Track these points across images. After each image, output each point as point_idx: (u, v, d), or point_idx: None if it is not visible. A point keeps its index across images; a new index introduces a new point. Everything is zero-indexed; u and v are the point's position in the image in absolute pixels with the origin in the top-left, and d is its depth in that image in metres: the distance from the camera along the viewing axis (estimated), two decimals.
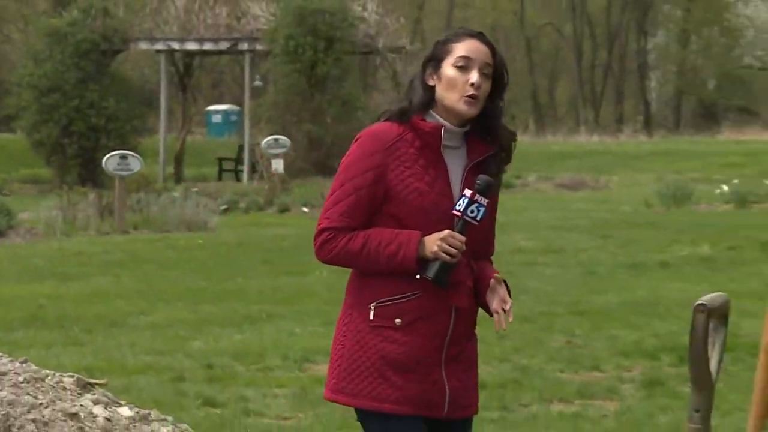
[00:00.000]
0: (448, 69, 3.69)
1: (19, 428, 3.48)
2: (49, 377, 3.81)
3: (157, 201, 21.78)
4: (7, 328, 11.50)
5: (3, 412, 3.51)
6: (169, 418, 4.16)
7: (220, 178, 30.15)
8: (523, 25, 56.45)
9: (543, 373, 9.97)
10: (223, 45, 29.64)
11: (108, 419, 3.66)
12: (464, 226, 3.62)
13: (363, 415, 3.92)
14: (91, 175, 26.52)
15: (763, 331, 4.07)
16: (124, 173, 20.56)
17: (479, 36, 3.80)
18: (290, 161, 25.76)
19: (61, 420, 3.56)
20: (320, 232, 3.78)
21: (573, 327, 11.78)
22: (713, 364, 3.05)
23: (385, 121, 3.88)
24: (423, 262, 3.64)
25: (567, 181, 31.81)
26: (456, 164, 3.79)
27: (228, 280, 15.36)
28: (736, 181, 26.40)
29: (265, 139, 25.77)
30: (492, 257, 3.98)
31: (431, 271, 3.61)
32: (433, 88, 3.71)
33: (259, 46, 28.83)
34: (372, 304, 3.79)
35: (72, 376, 3.92)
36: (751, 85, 55.82)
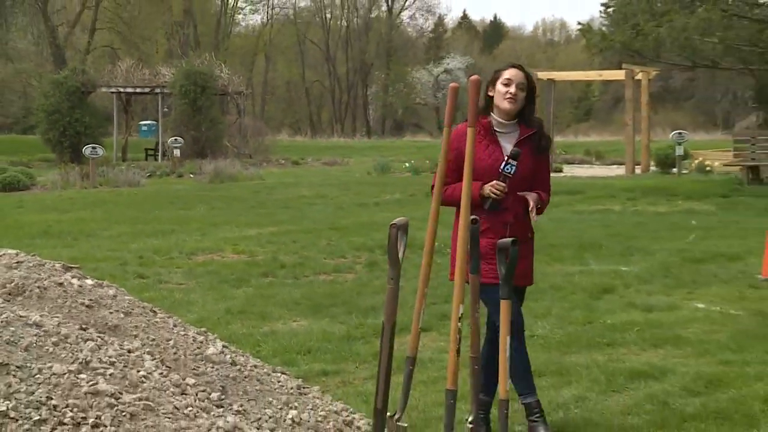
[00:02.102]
0: (499, 85, 5.48)
1: (29, 291, 4.15)
2: (48, 263, 4.48)
3: (112, 171, 31.77)
4: (29, 238, 15.33)
5: (20, 283, 4.18)
6: (115, 285, 4.74)
7: (146, 159, 42.34)
8: (304, 80, 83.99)
9: (316, 259, 13.30)
10: (147, 89, 44.72)
11: (80, 285, 4.37)
12: (504, 178, 5.32)
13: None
14: (77, 157, 36.62)
15: (425, 238, 4.37)
16: (95, 156, 30.72)
17: (518, 66, 5.60)
18: (182, 150, 36.90)
19: (53, 287, 4.25)
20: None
21: (331, 236, 15.61)
22: (400, 254, 3.92)
23: (464, 121, 5.15)
24: (484, 198, 5.36)
25: (327, 161, 44.06)
26: (508, 142, 5.48)
27: (150, 212, 20.32)
28: (413, 161, 34.92)
29: (170, 139, 37.69)
30: (546, 192, 5.65)
31: (487, 204, 5.31)
32: (491, 97, 5.50)
33: (166, 90, 42.76)
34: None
35: (61, 263, 4.62)
36: (421, 111, 79.30)
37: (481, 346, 4.43)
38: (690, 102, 71.36)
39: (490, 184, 5.31)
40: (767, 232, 11.51)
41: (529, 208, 5.41)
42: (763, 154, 25.50)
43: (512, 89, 5.38)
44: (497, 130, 5.46)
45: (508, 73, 5.43)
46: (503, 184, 5.29)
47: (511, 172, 5.29)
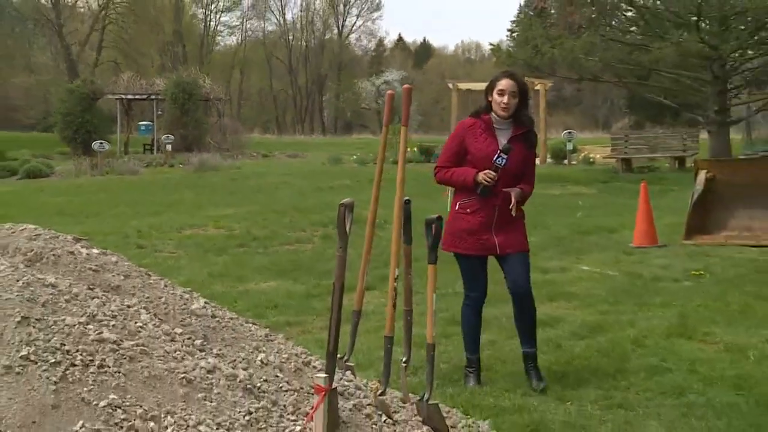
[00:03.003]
0: (494, 94, 5.28)
1: (46, 258, 4.11)
2: (61, 236, 4.37)
3: (116, 162, 31.80)
4: (47, 216, 15.23)
5: (38, 252, 4.13)
6: (117, 254, 4.65)
7: (144, 153, 40.97)
8: (272, 89, 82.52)
9: (281, 233, 13.16)
10: (144, 96, 43.62)
11: (88, 254, 4.27)
12: (495, 168, 5.19)
13: (455, 255, 5.46)
14: (87, 151, 35.39)
15: (368, 215, 4.42)
16: (102, 150, 31.09)
17: (510, 75, 5.39)
18: (173, 145, 36.07)
19: (66, 255, 4.18)
20: (436, 167, 5.43)
21: (293, 214, 15.32)
22: (347, 228, 3.79)
23: (469, 116, 5.40)
24: (476, 184, 5.22)
25: (291, 154, 42.84)
26: (503, 137, 5.30)
27: (148, 196, 20.31)
28: (359, 154, 34.49)
29: (163, 136, 37.20)
30: (531, 183, 5.44)
31: (479, 189, 5.20)
32: (490, 101, 5.31)
33: (160, 97, 41.86)
34: (457, 203, 5.33)
35: (72, 236, 4.56)
36: (366, 114, 74.88)
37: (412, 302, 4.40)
38: (578, 107, 72.39)
39: (483, 172, 5.21)
40: (637, 211, 11.68)
41: (510, 205, 5.31)
42: (633, 149, 26.28)
43: (505, 99, 5.24)
44: (496, 126, 5.33)
45: (502, 84, 5.29)
46: (494, 173, 5.18)
47: (502, 164, 5.17)
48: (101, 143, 32.30)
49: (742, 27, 24.46)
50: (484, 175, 5.18)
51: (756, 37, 24.76)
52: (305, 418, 3.58)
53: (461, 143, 5.30)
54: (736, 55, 25.36)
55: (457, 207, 5.37)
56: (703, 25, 24.31)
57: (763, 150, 16.63)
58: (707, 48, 23.82)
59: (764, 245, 10.95)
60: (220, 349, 3.93)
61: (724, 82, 25.27)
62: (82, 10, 70.34)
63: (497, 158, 5.18)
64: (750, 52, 25.72)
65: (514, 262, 5.40)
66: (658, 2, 25.84)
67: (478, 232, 5.26)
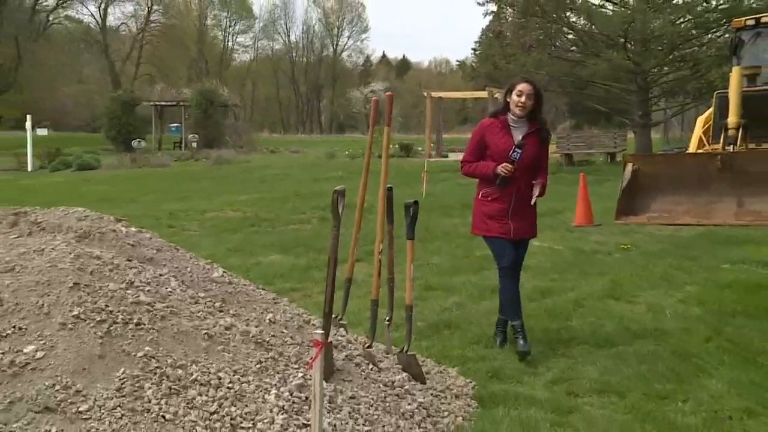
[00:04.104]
0: (513, 95, 5.01)
1: (93, 235, 4.04)
2: (105, 217, 4.32)
3: (151, 157, 31.36)
4: (94, 201, 15.15)
5: (86, 230, 4.06)
6: (151, 232, 4.62)
7: (173, 149, 39.61)
8: (278, 96, 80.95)
9: (285, 215, 12.84)
10: (174, 103, 42.48)
11: (127, 231, 4.25)
12: (512, 161, 4.95)
13: (484, 238, 5.23)
14: (128, 148, 35.75)
15: (357, 200, 4.39)
16: (139, 147, 32.73)
17: (528, 80, 5.09)
18: (197, 143, 36.38)
19: (109, 232, 4.12)
20: (462, 162, 5.19)
21: (295, 200, 15.02)
22: (340, 211, 3.79)
23: (488, 117, 5.17)
24: (495, 175, 5.00)
25: (293, 150, 41.11)
26: (519, 134, 5.03)
27: (176, 184, 20.06)
28: (350, 150, 33.29)
29: (189, 135, 37.66)
30: (545, 175, 5.11)
31: (498, 179, 5.00)
32: (508, 102, 5.03)
33: (186, 103, 40.85)
34: (481, 192, 5.13)
35: (114, 217, 4.49)
36: (356, 117, 70.16)
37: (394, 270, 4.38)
38: None
39: (501, 165, 4.96)
40: (577, 196, 11.69)
41: (533, 198, 5.07)
42: (574, 146, 26.29)
43: (523, 99, 4.96)
44: (511, 125, 5.04)
45: (521, 87, 5.00)
46: (510, 166, 4.93)
47: (517, 158, 4.93)
48: (139, 141, 32.66)
49: (660, 48, 24.95)
50: (502, 168, 4.96)
51: (671, 56, 25.48)
52: (306, 367, 3.58)
53: (481, 140, 5.07)
54: (656, 70, 25.87)
55: (480, 195, 5.15)
56: (629, 46, 24.71)
57: (677, 147, 16.82)
58: (632, 64, 24.40)
59: (679, 224, 10.92)
60: (235, 310, 3.92)
61: (646, 92, 25.70)
62: (123, 33, 70.45)
63: (513, 153, 4.96)
64: (666, 68, 26.34)
65: (519, 248, 5.20)
66: (593, 27, 26.05)
67: (497, 217, 5.05)
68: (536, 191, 5.04)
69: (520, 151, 4.91)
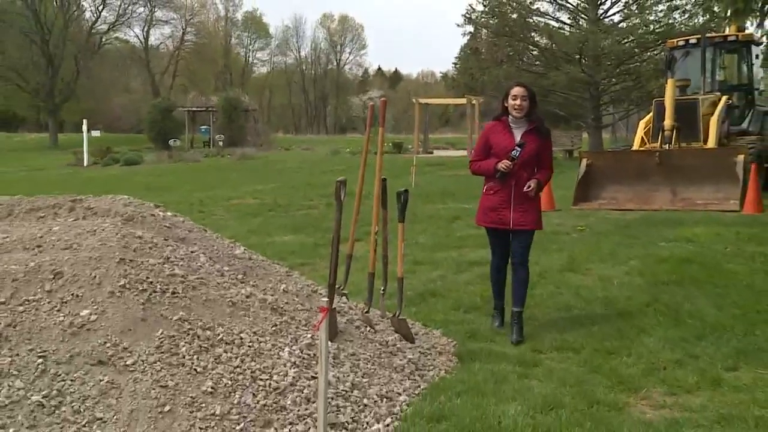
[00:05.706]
0: (509, 99, 4.67)
1: (136, 218, 3.94)
2: (146, 203, 4.22)
3: (185, 153, 31.17)
4: (138, 191, 14.62)
5: (131, 214, 3.99)
6: (184, 216, 4.53)
7: (203, 147, 37.93)
8: (290, 102, 76.13)
9: (297, 201, 12.73)
10: (204, 109, 40.66)
11: (164, 216, 4.16)
12: (511, 158, 4.62)
13: (485, 229, 4.89)
14: (165, 146, 35.19)
15: (356, 189, 4.28)
16: (175, 145, 32.44)
17: (520, 83, 4.81)
18: (223, 142, 36.28)
19: (149, 216, 4.06)
20: (470, 161, 4.88)
21: (305, 189, 14.81)
22: (342, 198, 3.67)
23: (492, 120, 4.87)
24: (496, 171, 4.66)
25: (304, 148, 38.55)
26: (519, 133, 4.69)
27: (206, 177, 19.97)
28: (351, 148, 32.04)
29: (217, 135, 37.48)
30: (546, 171, 4.72)
31: (498, 174, 4.67)
32: (506, 106, 4.68)
33: (214, 109, 39.67)
34: (485, 186, 4.80)
35: (153, 203, 4.36)
36: (355, 120, 66.91)
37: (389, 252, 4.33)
38: None
39: (501, 162, 4.61)
40: None
41: (532, 185, 4.64)
42: None
43: (518, 101, 4.63)
44: (512, 125, 4.70)
45: (515, 91, 4.66)
46: (509, 163, 4.58)
47: (516, 156, 4.58)
48: (175, 140, 32.48)
49: (609, 63, 25.22)
50: (502, 164, 4.63)
51: (617, 70, 25.75)
52: (313, 329, 3.55)
53: (487, 141, 4.75)
54: (605, 81, 26.08)
55: (484, 189, 4.80)
56: (584, 61, 24.88)
57: (623, 145, 16.90)
58: (586, 76, 24.68)
59: (624, 209, 11.05)
60: (254, 282, 3.89)
61: (597, 99, 25.94)
62: (162, 50, 70.45)
63: (513, 151, 4.63)
64: (614, 80, 26.59)
65: (519, 238, 4.75)
66: (554, 45, 26.16)
67: (497, 209, 4.70)
68: (531, 184, 4.65)
69: (519, 149, 4.64)
